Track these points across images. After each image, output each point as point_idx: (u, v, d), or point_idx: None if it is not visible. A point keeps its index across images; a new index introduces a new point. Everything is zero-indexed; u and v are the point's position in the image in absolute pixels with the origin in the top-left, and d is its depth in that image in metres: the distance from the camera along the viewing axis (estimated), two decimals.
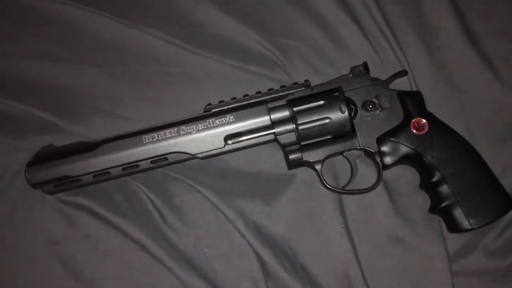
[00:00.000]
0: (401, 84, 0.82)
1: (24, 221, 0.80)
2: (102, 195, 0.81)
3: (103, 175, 0.76)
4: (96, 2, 0.87)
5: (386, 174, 0.80)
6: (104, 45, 0.86)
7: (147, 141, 0.76)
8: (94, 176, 0.76)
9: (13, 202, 0.80)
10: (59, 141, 0.80)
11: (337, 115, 0.75)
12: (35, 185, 0.76)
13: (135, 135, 0.76)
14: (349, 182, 0.79)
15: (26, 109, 0.83)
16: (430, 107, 0.79)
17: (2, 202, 0.80)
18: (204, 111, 0.78)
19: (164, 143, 0.76)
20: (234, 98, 0.78)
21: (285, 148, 0.77)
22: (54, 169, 0.76)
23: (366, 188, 0.78)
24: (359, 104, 0.77)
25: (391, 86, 0.79)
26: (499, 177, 0.76)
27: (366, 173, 0.80)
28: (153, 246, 0.78)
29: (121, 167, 0.76)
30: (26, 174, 0.75)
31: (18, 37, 0.87)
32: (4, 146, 0.82)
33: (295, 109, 0.76)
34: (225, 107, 0.78)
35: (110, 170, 0.76)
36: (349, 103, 0.77)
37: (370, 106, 0.77)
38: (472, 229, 0.73)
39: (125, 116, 0.84)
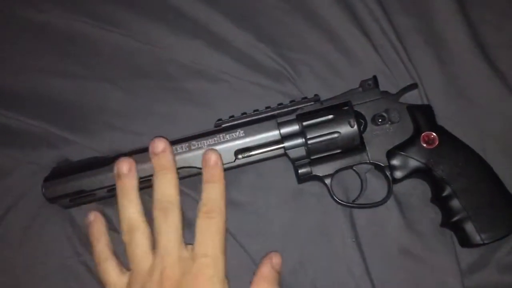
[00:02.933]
0: (411, 97, 0.82)
1: (40, 236, 0.81)
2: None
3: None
4: (111, 20, 0.89)
5: (397, 187, 0.80)
6: (117, 61, 0.88)
7: None
8: (108, 191, 0.78)
9: (29, 217, 0.82)
10: (73, 156, 0.82)
11: (346, 129, 0.75)
12: (51, 200, 0.78)
13: (148, 150, 0.77)
14: (359, 196, 0.79)
15: (39, 125, 0.85)
16: (441, 120, 0.79)
17: (17, 217, 0.82)
18: (215, 126, 0.79)
19: (176, 158, 0.77)
20: (244, 113, 0.80)
21: (295, 163, 0.78)
22: (70, 184, 0.77)
23: (376, 202, 0.78)
24: (368, 118, 0.77)
25: (401, 100, 0.79)
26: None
27: (377, 187, 0.80)
28: None
29: None
30: (43, 189, 0.77)
31: (33, 54, 0.89)
32: (18, 162, 0.84)
33: (304, 123, 0.76)
34: (235, 122, 0.79)
35: None
36: (359, 117, 0.77)
37: (380, 120, 0.77)
38: (484, 244, 0.72)
39: (137, 131, 0.85)
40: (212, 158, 0.72)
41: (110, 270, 0.70)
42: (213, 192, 0.70)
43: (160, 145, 0.72)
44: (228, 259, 0.78)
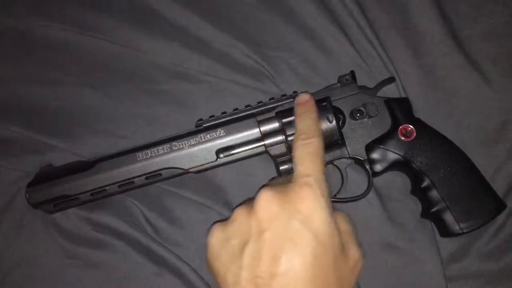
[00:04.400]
0: (389, 91, 0.83)
1: (26, 242, 0.82)
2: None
3: (100, 193, 0.79)
4: (89, 26, 0.89)
5: (378, 180, 0.81)
6: (97, 66, 0.88)
7: (141, 158, 0.78)
8: (91, 194, 0.79)
9: (15, 223, 0.83)
10: (57, 161, 0.83)
11: (325, 125, 0.76)
12: (35, 205, 0.78)
13: (130, 153, 0.78)
14: (340, 190, 0.80)
15: (22, 132, 0.85)
16: (419, 113, 0.80)
17: (3, 223, 0.83)
18: (196, 126, 0.80)
19: (158, 159, 0.78)
20: (224, 112, 0.80)
21: (276, 159, 0.79)
22: (53, 189, 0.78)
23: (357, 196, 0.79)
24: (347, 113, 0.78)
25: (380, 93, 0.80)
26: (490, 180, 0.76)
27: (357, 181, 0.81)
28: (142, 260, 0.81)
29: (117, 184, 0.78)
30: (27, 195, 0.78)
31: (14, 62, 0.89)
32: (2, 169, 0.84)
33: (284, 120, 0.77)
34: (216, 122, 0.80)
35: (107, 188, 0.78)
36: (337, 112, 0.78)
37: (358, 115, 0.78)
38: (463, 233, 0.73)
39: (119, 134, 0.86)
40: (304, 97, 0.74)
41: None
42: (306, 121, 0.70)
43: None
44: None
